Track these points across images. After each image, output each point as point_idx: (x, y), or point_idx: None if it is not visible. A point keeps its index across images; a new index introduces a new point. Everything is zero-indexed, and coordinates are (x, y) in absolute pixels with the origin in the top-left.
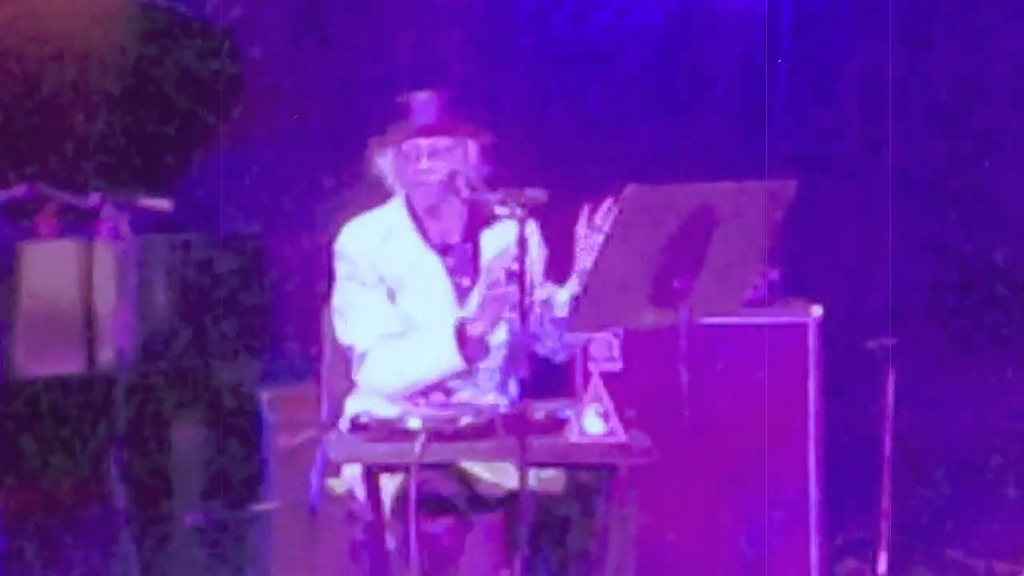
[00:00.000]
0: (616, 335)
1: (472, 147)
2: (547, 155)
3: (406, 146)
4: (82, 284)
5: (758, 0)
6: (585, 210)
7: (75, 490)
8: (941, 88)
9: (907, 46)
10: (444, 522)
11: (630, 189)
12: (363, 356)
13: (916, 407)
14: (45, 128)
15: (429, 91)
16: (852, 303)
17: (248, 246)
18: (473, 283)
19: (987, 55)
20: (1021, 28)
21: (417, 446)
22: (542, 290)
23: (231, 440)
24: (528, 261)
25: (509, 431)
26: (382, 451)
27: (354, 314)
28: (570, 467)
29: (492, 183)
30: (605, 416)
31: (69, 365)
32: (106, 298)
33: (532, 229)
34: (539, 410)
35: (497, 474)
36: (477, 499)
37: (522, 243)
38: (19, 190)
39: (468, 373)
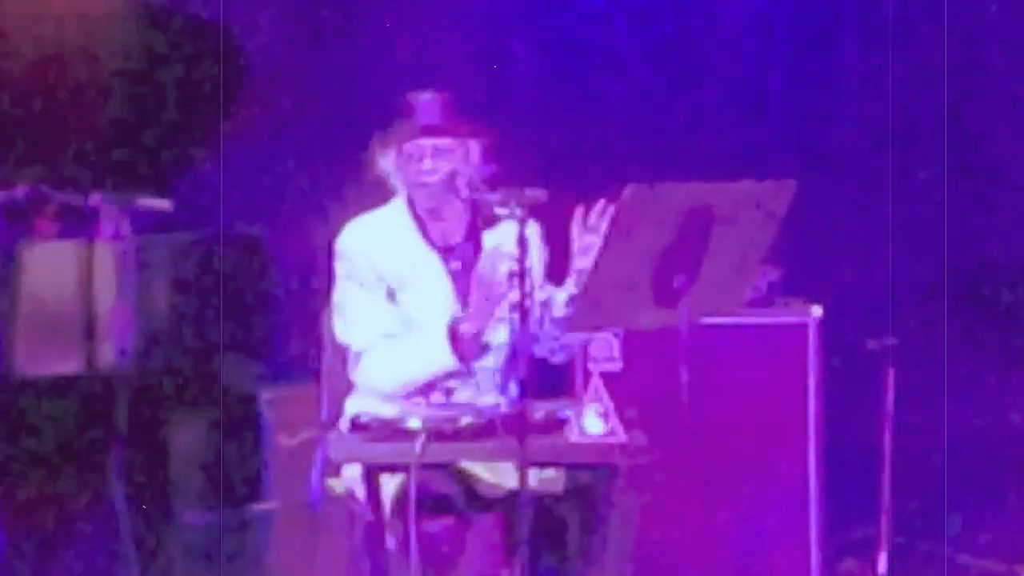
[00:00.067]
0: (616, 335)
1: (474, 147)
2: (547, 155)
3: (408, 146)
4: (82, 284)
5: (758, 0)
6: (579, 211)
7: (75, 490)
8: (941, 88)
9: (907, 46)
10: (444, 522)
11: (630, 189)
12: (360, 355)
13: (916, 407)
14: (45, 128)
15: (432, 91)
16: (852, 303)
17: (248, 246)
18: None
19: (987, 55)
20: (1021, 28)
21: (417, 446)
22: (541, 291)
23: (231, 440)
24: (528, 261)
25: (509, 431)
26: (382, 451)
27: (352, 313)
28: (570, 467)
29: (493, 183)
30: (605, 416)
31: (69, 365)
32: (106, 298)
33: (533, 230)
34: (539, 410)
35: (497, 474)
36: (477, 499)
37: (522, 243)
38: (19, 190)
39: (465, 372)
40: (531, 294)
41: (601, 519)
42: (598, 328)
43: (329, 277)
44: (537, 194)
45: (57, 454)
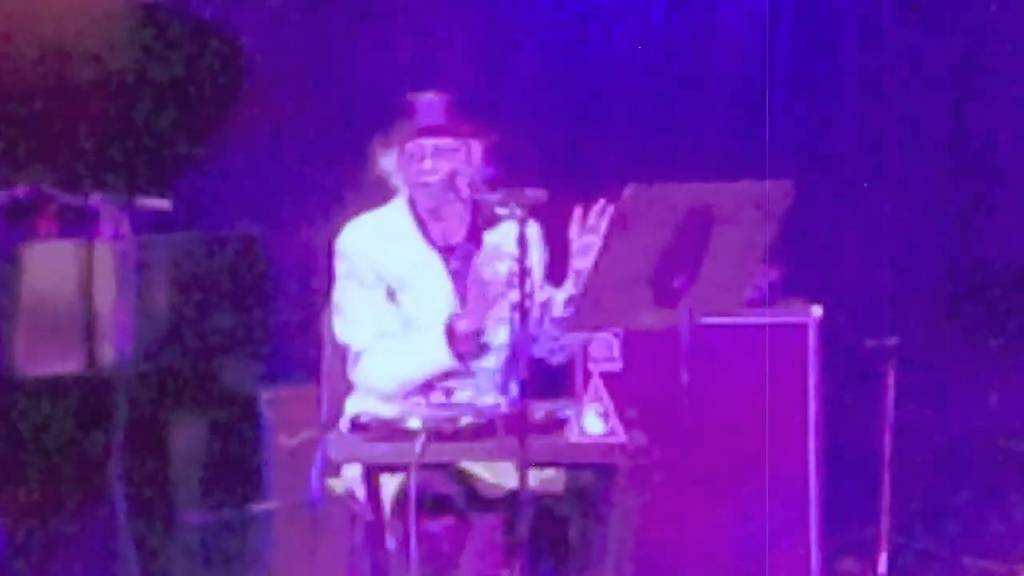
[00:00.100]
0: (616, 335)
1: (476, 148)
2: (547, 155)
3: (410, 146)
4: (82, 284)
5: (758, 0)
6: (577, 211)
7: (75, 490)
8: (941, 88)
9: (907, 46)
10: (444, 522)
11: (630, 189)
12: (359, 355)
13: (916, 407)
14: (45, 128)
15: (434, 92)
16: (852, 303)
17: (248, 246)
18: None
19: (987, 55)
20: (1021, 28)
21: (417, 446)
22: (541, 292)
23: (231, 440)
24: (528, 261)
25: (509, 431)
26: (382, 451)
27: (352, 313)
28: (570, 467)
29: (493, 183)
30: (605, 416)
31: (69, 365)
32: (106, 298)
33: (533, 230)
34: (539, 410)
35: (497, 474)
36: (477, 499)
37: (522, 243)
38: (19, 190)
39: (464, 372)
40: (531, 295)
41: (601, 519)
42: (598, 328)
43: (329, 277)
44: (537, 194)
45: (57, 454)
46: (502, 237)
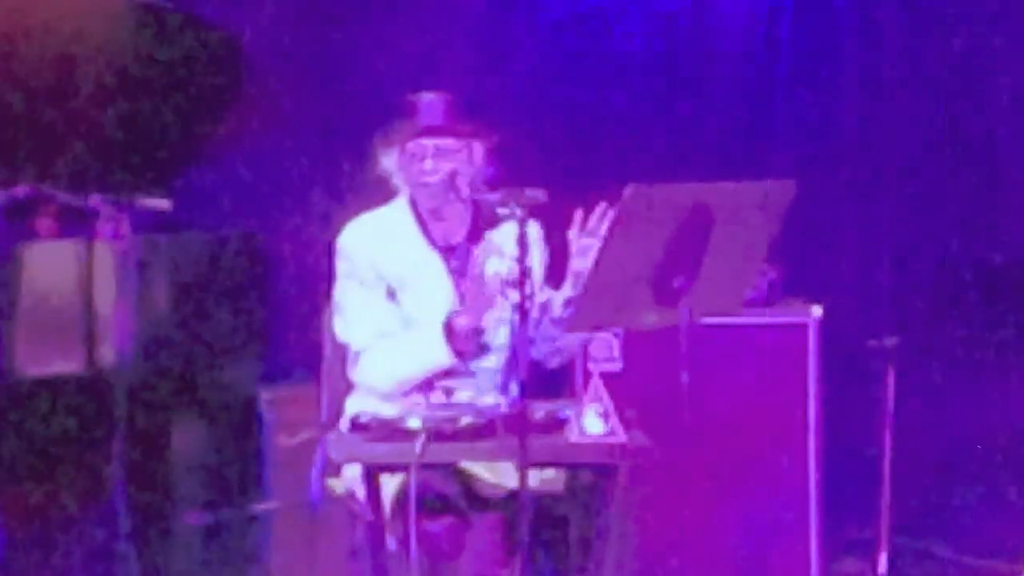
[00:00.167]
0: (616, 335)
1: (477, 148)
2: (547, 155)
3: (411, 146)
4: (82, 284)
5: (758, 0)
6: (578, 214)
7: (75, 490)
8: (941, 87)
9: (907, 45)
10: (444, 522)
11: (629, 189)
12: (359, 354)
13: (916, 407)
14: (45, 128)
15: (436, 92)
16: (852, 303)
17: (248, 246)
18: None
19: (987, 55)
20: (1021, 27)
21: (417, 446)
22: (541, 294)
23: (231, 440)
24: (528, 261)
25: (509, 431)
26: (382, 451)
27: (352, 312)
28: (570, 467)
29: (494, 184)
30: (605, 416)
31: (69, 365)
32: (106, 298)
33: (534, 230)
34: (539, 410)
35: (497, 474)
36: (477, 499)
37: (522, 243)
38: (19, 190)
39: (463, 370)
40: (531, 296)
41: (601, 519)
42: (598, 328)
43: (329, 277)
44: (537, 194)
45: (57, 454)
46: (503, 237)
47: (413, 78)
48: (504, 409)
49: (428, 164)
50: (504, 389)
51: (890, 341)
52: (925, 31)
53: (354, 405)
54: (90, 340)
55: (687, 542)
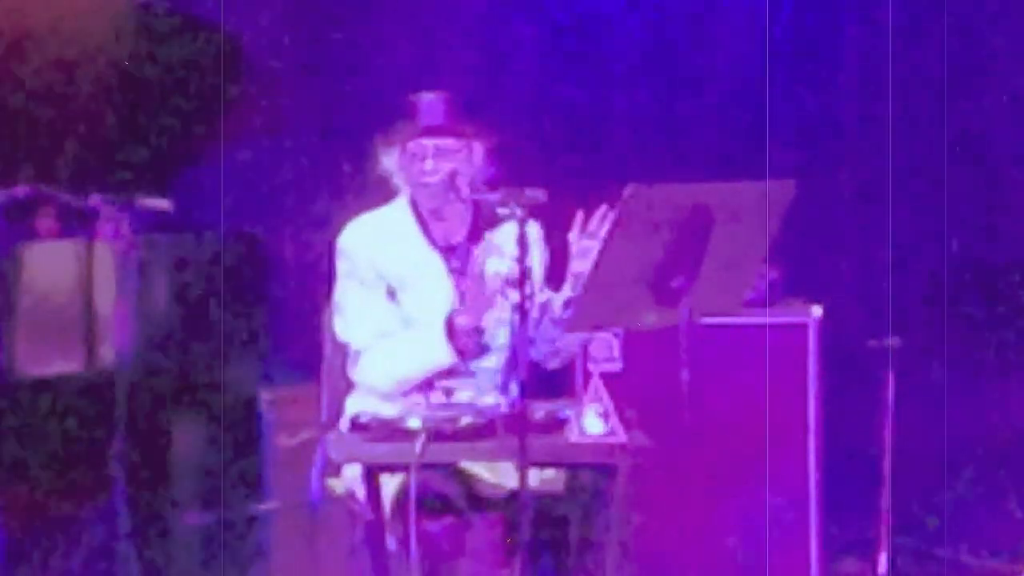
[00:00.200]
0: (616, 335)
1: (478, 149)
2: (547, 155)
3: (412, 146)
4: (82, 284)
5: (758, 0)
6: (579, 215)
7: (75, 490)
8: (942, 87)
9: (907, 44)
10: (444, 522)
11: (629, 189)
12: (359, 354)
13: (916, 407)
14: (45, 128)
15: (437, 92)
16: (852, 303)
17: (248, 246)
18: None
19: (987, 54)
20: (1021, 27)
21: (417, 446)
22: (541, 295)
23: (231, 440)
24: (528, 261)
25: (509, 431)
26: (382, 451)
27: (353, 312)
28: (570, 467)
29: (494, 184)
30: (605, 416)
31: (69, 365)
32: (106, 298)
33: (534, 230)
34: (539, 410)
35: (497, 474)
36: (477, 499)
37: (522, 243)
38: (19, 190)
39: (463, 369)
40: (531, 296)
41: (601, 519)
42: (598, 328)
43: (329, 277)
44: (537, 194)
45: (57, 454)
46: (503, 237)
47: (413, 78)
48: (504, 409)
49: (428, 164)
50: (504, 389)
51: (890, 341)
52: (925, 31)
53: (354, 405)
54: (90, 340)
55: (687, 542)
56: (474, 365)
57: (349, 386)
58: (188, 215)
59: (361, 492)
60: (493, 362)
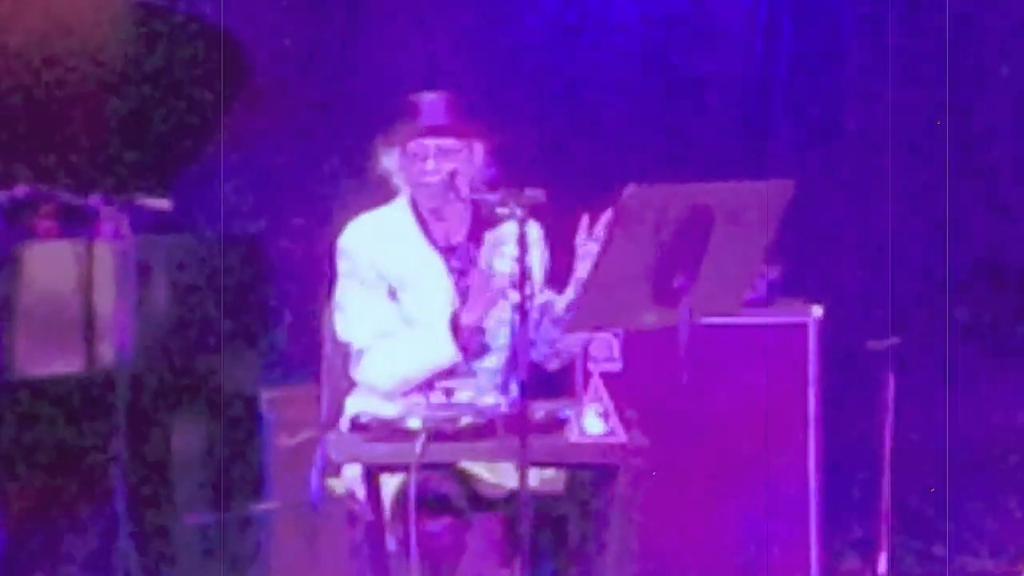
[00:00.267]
0: (616, 335)
1: (478, 149)
2: (547, 155)
3: (412, 146)
4: (82, 284)
5: (758, 0)
6: (584, 220)
7: (75, 490)
8: (941, 87)
9: (907, 45)
10: (444, 522)
11: (630, 189)
12: (361, 353)
13: (916, 407)
14: (45, 128)
15: (438, 92)
16: (852, 303)
17: (248, 246)
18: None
19: (987, 54)
20: (1021, 27)
21: (417, 446)
22: (541, 296)
23: (231, 440)
24: (528, 261)
25: (509, 431)
26: (382, 451)
27: (353, 312)
28: (570, 467)
29: (494, 184)
30: (605, 416)
31: (69, 365)
32: (106, 298)
33: (534, 230)
34: (539, 410)
35: (497, 474)
36: (477, 499)
37: (522, 243)
38: (19, 190)
39: (465, 369)
40: (531, 296)
41: (601, 519)
42: (598, 328)
43: (330, 277)
44: (537, 194)
45: (57, 454)
46: (503, 237)
47: (413, 78)
48: (504, 409)
49: (429, 164)
50: (504, 389)
51: (890, 341)
52: (925, 31)
53: (354, 405)
54: (90, 340)
55: (687, 542)
56: (474, 365)
57: (349, 386)
58: (188, 215)
59: (361, 492)
60: (493, 362)
